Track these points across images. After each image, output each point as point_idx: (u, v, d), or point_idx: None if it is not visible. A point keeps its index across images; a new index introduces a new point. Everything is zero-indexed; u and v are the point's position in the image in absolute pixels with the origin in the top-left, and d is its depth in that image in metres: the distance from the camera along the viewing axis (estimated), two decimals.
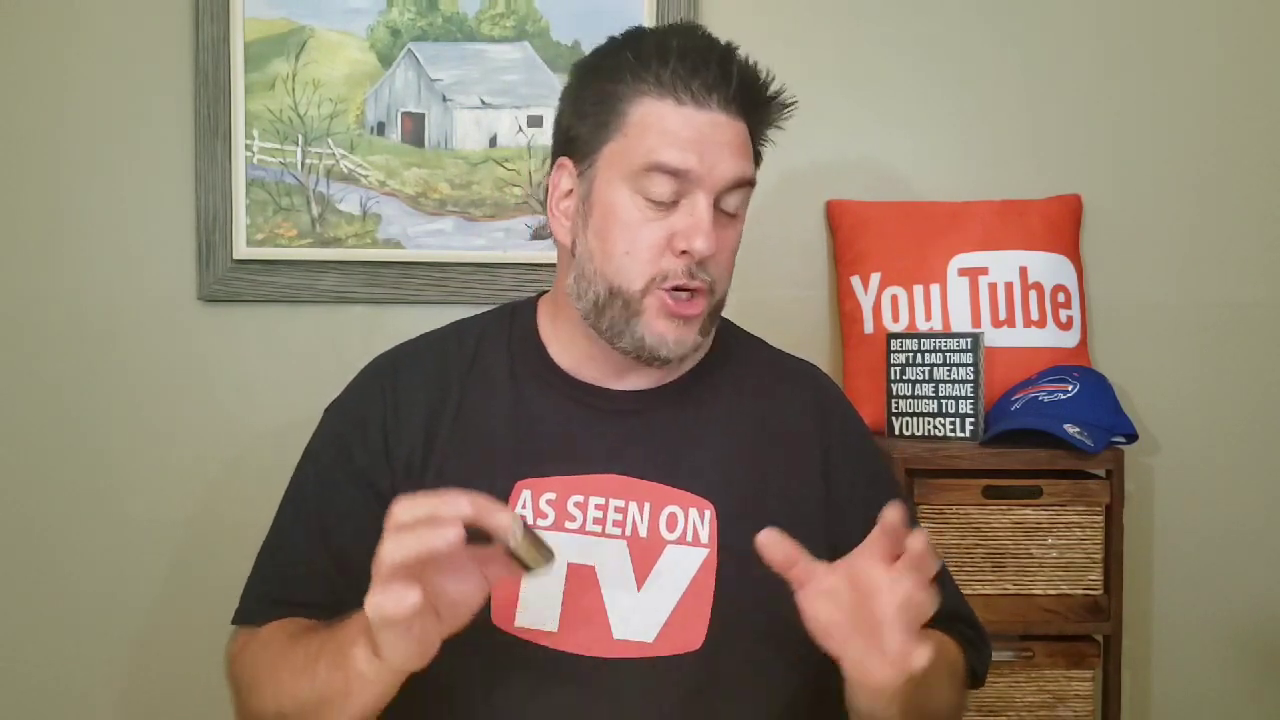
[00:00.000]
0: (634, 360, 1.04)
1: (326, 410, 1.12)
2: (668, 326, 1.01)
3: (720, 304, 1.06)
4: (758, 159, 1.07)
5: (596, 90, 1.03)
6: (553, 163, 1.08)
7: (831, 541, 1.03)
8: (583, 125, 1.03)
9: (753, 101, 1.03)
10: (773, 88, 1.05)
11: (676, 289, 1.00)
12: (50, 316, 1.72)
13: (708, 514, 1.03)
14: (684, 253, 0.99)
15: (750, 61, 1.03)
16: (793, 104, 1.06)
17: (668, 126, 0.99)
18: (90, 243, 1.72)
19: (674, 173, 0.98)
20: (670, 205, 1.00)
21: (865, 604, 0.85)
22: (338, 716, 0.90)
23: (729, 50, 1.02)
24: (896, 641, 0.84)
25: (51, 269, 1.72)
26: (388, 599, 0.79)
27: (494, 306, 1.17)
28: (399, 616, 0.79)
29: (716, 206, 1.01)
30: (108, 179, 1.72)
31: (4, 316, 1.72)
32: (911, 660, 0.84)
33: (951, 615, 1.08)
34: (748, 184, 1.03)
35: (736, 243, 1.06)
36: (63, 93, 1.71)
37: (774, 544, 0.87)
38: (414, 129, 1.72)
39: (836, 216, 1.75)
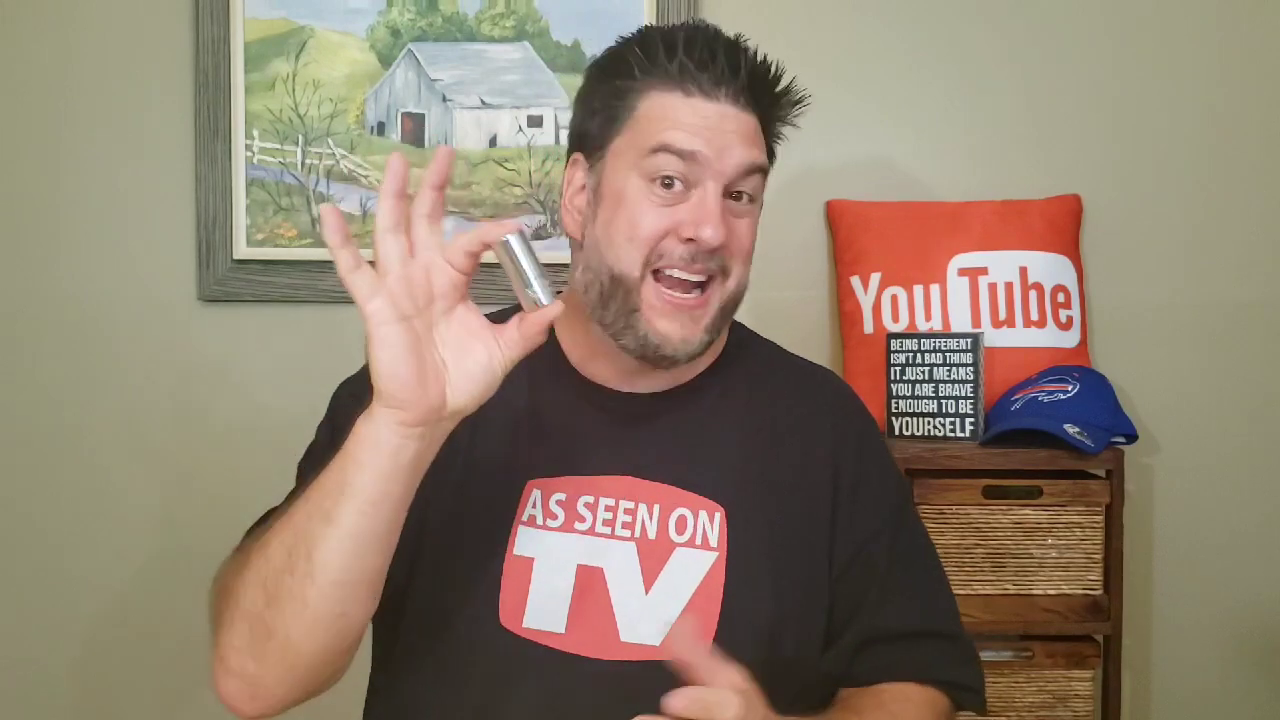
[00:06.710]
0: (640, 360, 1.02)
1: (340, 386, 1.09)
2: (671, 326, 0.99)
3: (734, 299, 1.03)
4: (771, 156, 1.06)
5: (607, 87, 1.03)
6: (567, 160, 1.08)
7: (833, 548, 1.04)
8: (593, 121, 1.03)
9: (763, 95, 1.01)
10: (783, 81, 1.03)
11: (677, 280, 0.98)
12: (50, 316, 1.72)
13: (718, 516, 1.02)
14: (689, 240, 0.97)
15: (760, 55, 1.02)
16: (804, 99, 1.05)
17: (677, 116, 0.98)
18: (90, 243, 1.72)
19: (681, 154, 0.97)
20: (680, 196, 0.98)
21: None
22: (333, 535, 0.84)
23: (737, 44, 1.01)
24: None
25: (51, 269, 1.72)
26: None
27: (501, 307, 1.16)
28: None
29: (728, 197, 1.00)
30: (108, 179, 1.72)
31: (4, 316, 1.72)
32: None
33: (923, 633, 1.06)
34: (759, 170, 1.01)
35: (752, 235, 1.03)
36: (63, 93, 1.71)
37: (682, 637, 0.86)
38: (414, 129, 1.72)
39: (836, 216, 1.75)
